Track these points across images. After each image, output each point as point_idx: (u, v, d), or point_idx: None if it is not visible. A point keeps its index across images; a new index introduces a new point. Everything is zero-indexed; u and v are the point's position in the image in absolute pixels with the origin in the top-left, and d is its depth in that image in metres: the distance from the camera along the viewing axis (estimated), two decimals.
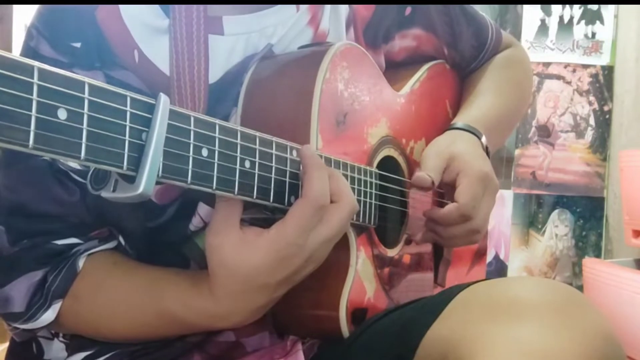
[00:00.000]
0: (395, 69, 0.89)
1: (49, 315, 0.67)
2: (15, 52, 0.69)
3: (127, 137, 0.46)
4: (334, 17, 0.80)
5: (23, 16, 1.81)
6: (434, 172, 0.78)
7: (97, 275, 0.67)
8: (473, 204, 0.78)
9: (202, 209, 0.70)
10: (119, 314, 0.67)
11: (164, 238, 0.71)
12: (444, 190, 0.84)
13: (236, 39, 0.71)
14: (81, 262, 0.67)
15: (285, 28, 0.74)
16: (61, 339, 0.73)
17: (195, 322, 0.63)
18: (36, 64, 0.40)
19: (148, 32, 0.68)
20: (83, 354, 0.71)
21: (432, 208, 0.82)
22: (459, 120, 0.88)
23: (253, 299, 0.60)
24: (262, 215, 0.59)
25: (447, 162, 0.80)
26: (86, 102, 0.43)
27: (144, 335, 0.68)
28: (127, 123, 0.46)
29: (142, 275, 0.67)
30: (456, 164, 0.79)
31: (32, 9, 0.69)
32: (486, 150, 0.86)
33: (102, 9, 0.67)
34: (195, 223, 0.71)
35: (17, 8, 1.80)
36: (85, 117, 0.42)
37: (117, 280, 0.67)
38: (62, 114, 0.41)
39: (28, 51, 0.67)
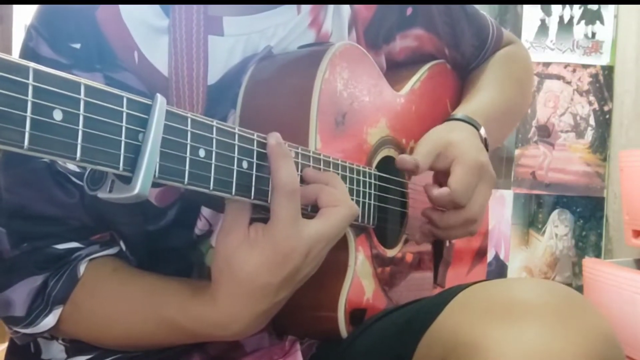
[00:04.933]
0: (396, 69, 0.89)
1: (49, 321, 0.66)
2: (15, 53, 0.69)
3: (123, 138, 0.46)
4: (337, 19, 0.79)
5: (23, 16, 1.81)
6: (422, 156, 0.76)
7: (96, 281, 0.67)
8: (465, 191, 0.76)
9: (207, 211, 0.69)
10: (119, 321, 0.66)
11: (167, 243, 0.71)
12: (441, 179, 0.82)
13: (236, 39, 0.71)
14: (82, 268, 0.67)
15: (285, 30, 0.74)
16: (60, 341, 0.72)
17: (196, 330, 0.62)
18: (32, 64, 0.40)
19: (148, 33, 0.68)
20: (82, 358, 0.71)
21: (429, 186, 0.79)
22: (458, 112, 0.87)
23: (254, 303, 0.59)
24: (261, 215, 0.59)
25: (441, 149, 0.78)
26: (82, 102, 0.42)
27: (144, 344, 0.68)
28: (124, 124, 0.46)
29: (143, 283, 0.66)
30: (451, 150, 0.78)
31: (32, 9, 0.68)
32: (485, 142, 0.85)
33: (103, 10, 0.66)
34: (200, 226, 0.70)
35: (17, 8, 1.80)
36: (81, 117, 0.42)
37: (116, 287, 0.67)
38: (57, 115, 0.41)
39: (27, 52, 0.66)
